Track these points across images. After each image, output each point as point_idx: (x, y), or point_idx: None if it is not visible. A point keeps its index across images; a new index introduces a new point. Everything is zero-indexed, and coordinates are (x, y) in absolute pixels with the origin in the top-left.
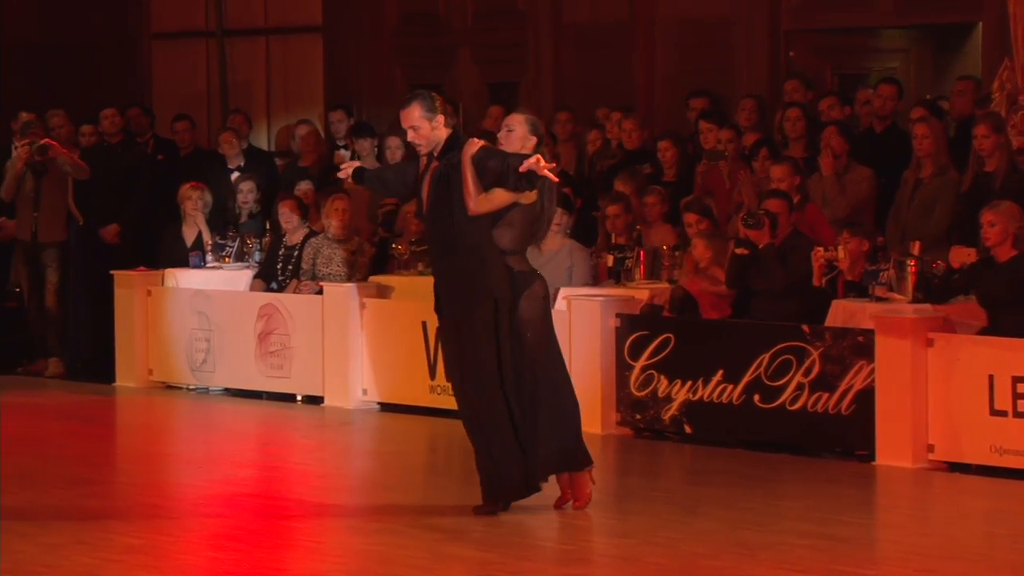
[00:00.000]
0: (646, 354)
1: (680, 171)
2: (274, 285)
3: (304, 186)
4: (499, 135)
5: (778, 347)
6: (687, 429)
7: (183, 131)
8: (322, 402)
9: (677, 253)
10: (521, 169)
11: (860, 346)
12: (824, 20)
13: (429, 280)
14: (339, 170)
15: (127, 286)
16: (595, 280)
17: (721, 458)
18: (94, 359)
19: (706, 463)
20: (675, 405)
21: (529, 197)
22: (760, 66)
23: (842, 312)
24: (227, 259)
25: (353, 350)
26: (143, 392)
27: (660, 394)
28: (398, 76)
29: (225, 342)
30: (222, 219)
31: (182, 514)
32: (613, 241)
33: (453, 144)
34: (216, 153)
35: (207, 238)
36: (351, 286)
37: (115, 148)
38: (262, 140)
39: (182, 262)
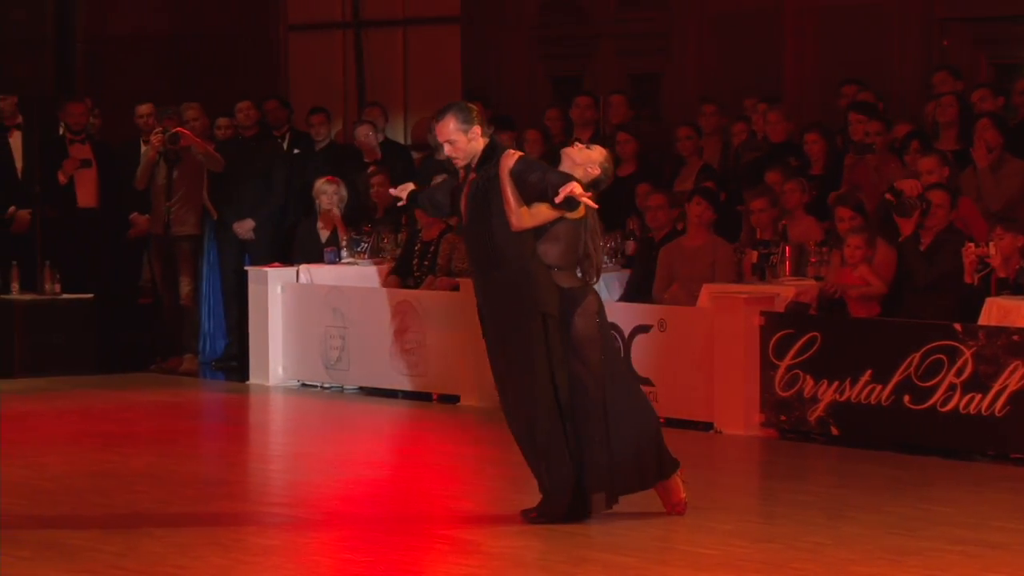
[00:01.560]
0: (791, 353)
1: (828, 164)
2: (410, 281)
3: (440, 180)
4: (577, 143)
5: (929, 346)
6: (834, 431)
7: (319, 124)
8: (458, 401)
9: (824, 249)
10: (557, 200)
11: (1015, 345)
12: (980, 8)
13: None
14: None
15: (261, 282)
16: (739, 277)
17: (869, 461)
18: (228, 356)
19: (853, 466)
20: (821, 406)
21: (578, 212)
22: (912, 55)
23: (996, 310)
24: (362, 255)
25: None
26: (277, 390)
27: (806, 394)
28: (538, 67)
29: (360, 339)
30: (358, 214)
31: (315, 515)
32: (758, 236)
33: (490, 155)
34: (352, 147)
35: (342, 233)
36: None
37: (250, 142)
38: (399, 133)
39: (317, 257)
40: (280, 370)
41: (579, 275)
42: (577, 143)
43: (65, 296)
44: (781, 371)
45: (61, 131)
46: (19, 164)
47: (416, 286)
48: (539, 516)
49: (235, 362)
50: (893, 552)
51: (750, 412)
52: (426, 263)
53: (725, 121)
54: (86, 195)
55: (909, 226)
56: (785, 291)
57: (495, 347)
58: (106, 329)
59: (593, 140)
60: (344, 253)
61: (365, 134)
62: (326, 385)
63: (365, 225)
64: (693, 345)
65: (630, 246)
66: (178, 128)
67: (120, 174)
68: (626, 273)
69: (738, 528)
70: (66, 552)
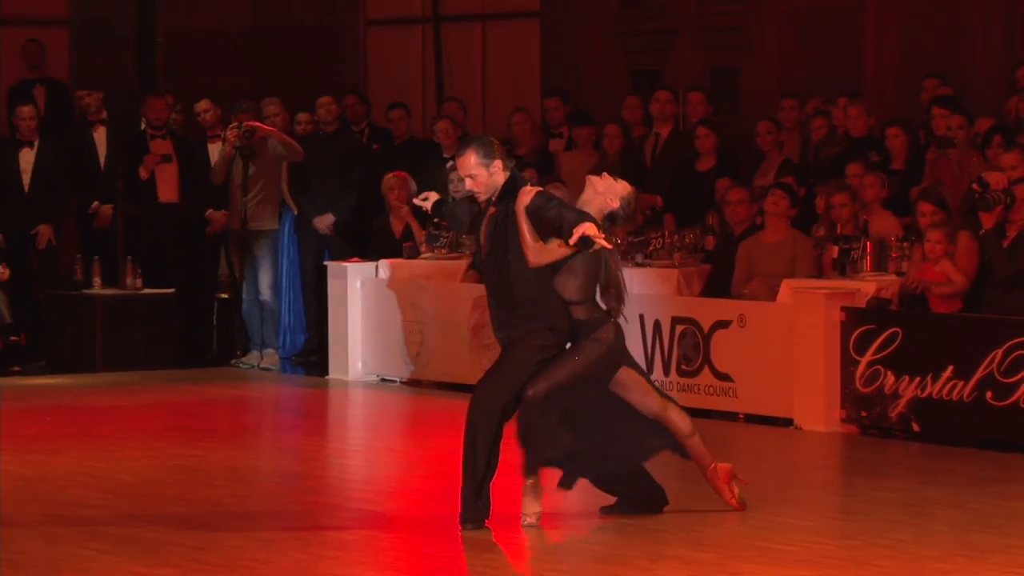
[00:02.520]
0: (872, 349)
1: (910, 159)
2: None
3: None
4: (605, 174)
5: (1012, 342)
6: (915, 427)
7: (398, 119)
8: None
9: (905, 244)
10: (571, 241)
11: None
12: None
13: (647, 272)
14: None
15: (341, 277)
16: (819, 272)
17: (950, 457)
18: (308, 351)
19: (935, 462)
20: (903, 402)
21: (592, 250)
22: (995, 49)
23: None
24: (441, 250)
25: None
26: (356, 385)
27: (887, 390)
28: (617, 62)
29: (439, 335)
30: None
31: (395, 510)
32: (838, 231)
33: (511, 188)
34: (432, 142)
35: (415, 228)
36: None
37: (330, 137)
38: (477, 128)
39: (391, 253)
40: (359, 365)
41: (602, 306)
42: (605, 174)
43: (146, 291)
44: (862, 367)
45: (143, 127)
46: (103, 159)
47: None
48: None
49: (314, 357)
50: (975, 549)
51: (831, 408)
52: None
53: (805, 116)
54: (167, 190)
55: (991, 220)
56: (866, 286)
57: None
58: (187, 324)
59: (673, 134)
60: (423, 248)
61: (444, 129)
62: (405, 380)
63: (444, 220)
64: (773, 341)
65: (709, 241)
66: (252, 122)
67: (200, 169)
68: (705, 268)
69: (818, 525)
70: (146, 546)
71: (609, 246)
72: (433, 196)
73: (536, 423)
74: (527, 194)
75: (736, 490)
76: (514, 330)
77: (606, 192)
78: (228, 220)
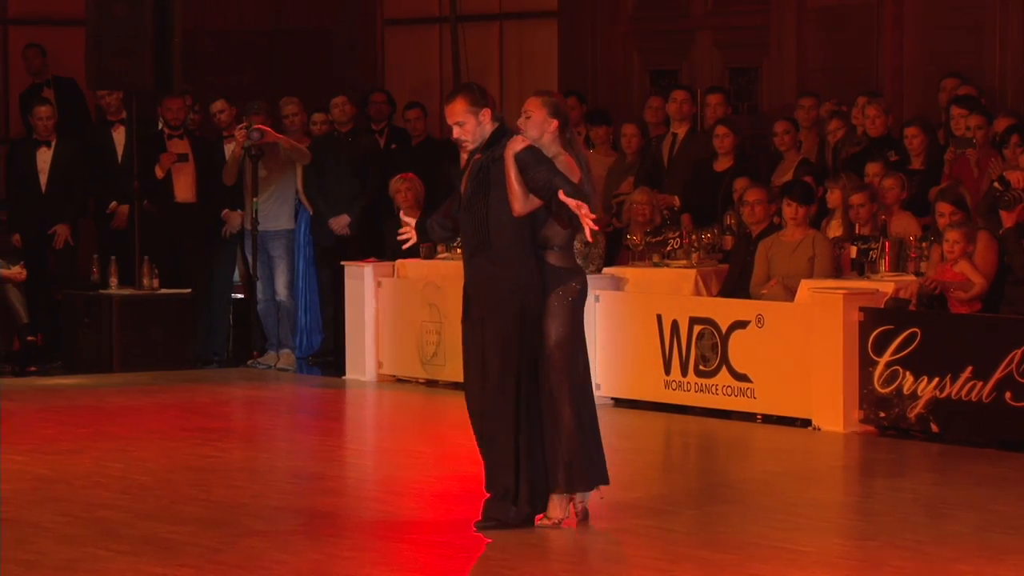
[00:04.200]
0: (891, 349)
1: (929, 159)
2: None
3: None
4: (518, 122)
5: None
6: (934, 428)
7: (415, 119)
8: None
9: (924, 244)
10: (561, 200)
11: None
12: None
13: (665, 272)
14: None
15: (357, 277)
16: (838, 272)
17: (970, 458)
18: (324, 351)
19: (954, 463)
20: (921, 403)
21: (574, 175)
22: (1014, 48)
23: None
24: (458, 250)
25: (588, 344)
26: (373, 385)
27: (905, 391)
28: (635, 61)
29: (456, 334)
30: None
31: (412, 511)
32: (857, 231)
33: (499, 138)
34: (449, 142)
35: None
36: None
37: (345, 137)
38: None
39: (412, 253)
40: (376, 365)
41: (579, 261)
42: (518, 123)
43: (163, 291)
44: (880, 367)
45: (160, 126)
46: (121, 159)
47: None
48: (488, 521)
49: (331, 357)
50: (994, 550)
51: (849, 409)
52: None
53: (823, 114)
54: (183, 190)
55: (1012, 219)
56: (884, 287)
57: (473, 331)
58: (203, 324)
59: (690, 134)
60: (440, 248)
61: None
62: (422, 380)
63: (429, 239)
64: (791, 341)
65: (727, 241)
66: (259, 124)
67: (217, 169)
68: (723, 268)
69: (836, 526)
70: (164, 546)
71: (591, 239)
72: (410, 227)
73: (584, 442)
74: (519, 142)
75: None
76: (485, 289)
77: (541, 128)
78: (243, 220)
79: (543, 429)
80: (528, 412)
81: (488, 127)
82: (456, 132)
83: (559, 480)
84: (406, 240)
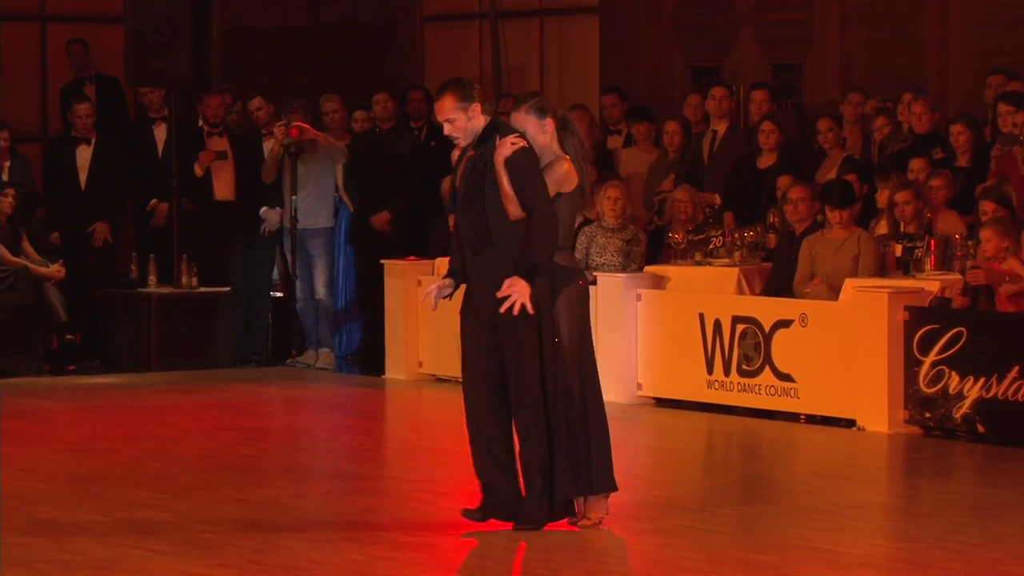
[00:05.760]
0: (936, 349)
1: (975, 156)
2: None
3: None
4: (517, 138)
5: None
6: (980, 428)
7: None
8: None
9: (970, 243)
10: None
11: None
12: None
13: (707, 270)
14: None
15: (397, 276)
16: (883, 271)
17: (1016, 459)
18: (364, 350)
19: (1000, 464)
20: (967, 403)
21: (572, 182)
22: None
23: None
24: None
25: (628, 343)
26: (413, 384)
27: (951, 391)
28: (677, 58)
29: None
30: None
31: (453, 511)
32: (902, 230)
33: (491, 132)
34: None
35: None
36: (626, 276)
37: (387, 134)
38: None
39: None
40: (416, 364)
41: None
42: (513, 141)
43: (201, 289)
44: (926, 367)
45: (199, 124)
46: (162, 156)
47: None
48: (526, 523)
49: (371, 356)
50: None
51: (894, 409)
52: None
53: (869, 111)
54: (223, 187)
55: None
56: (930, 285)
57: (482, 333)
58: (242, 322)
59: (731, 131)
60: None
61: None
62: (461, 379)
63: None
64: (835, 340)
65: (770, 239)
66: (299, 123)
67: (256, 167)
68: (766, 267)
69: (881, 527)
70: (203, 546)
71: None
72: (436, 288)
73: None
74: (507, 147)
75: None
76: (493, 286)
77: (543, 129)
78: (282, 218)
79: (565, 429)
80: (548, 412)
81: (479, 122)
82: (447, 129)
83: (591, 481)
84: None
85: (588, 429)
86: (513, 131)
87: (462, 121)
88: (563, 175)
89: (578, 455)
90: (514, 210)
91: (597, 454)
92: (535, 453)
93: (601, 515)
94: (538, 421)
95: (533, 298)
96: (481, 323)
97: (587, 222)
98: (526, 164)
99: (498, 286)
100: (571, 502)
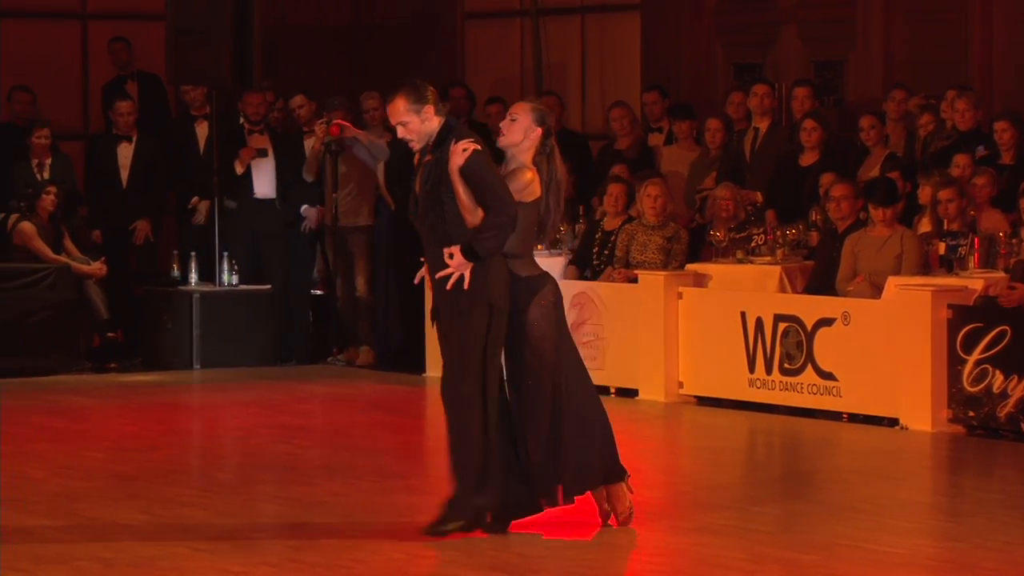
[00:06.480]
0: (980, 347)
1: (1019, 153)
2: (588, 273)
3: (618, 170)
4: (501, 123)
5: None
6: None
7: (496, 114)
8: (636, 395)
9: (1014, 241)
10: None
11: None
12: None
13: (749, 268)
14: None
15: None
16: (926, 268)
17: None
18: (404, 348)
19: None
20: (1011, 402)
21: (533, 193)
22: None
23: None
24: (539, 246)
25: (669, 341)
26: None
27: (995, 390)
28: (719, 55)
29: None
30: None
31: None
32: (945, 227)
33: (446, 136)
34: None
35: None
36: (666, 274)
37: None
38: (576, 122)
39: None
40: None
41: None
42: (501, 125)
43: (242, 287)
44: (969, 366)
45: (240, 121)
46: (203, 154)
47: (594, 277)
48: (442, 523)
49: (411, 354)
50: None
51: (937, 408)
52: (605, 253)
53: (912, 108)
54: (263, 185)
55: None
56: (973, 283)
57: (443, 336)
58: (283, 320)
59: (773, 128)
60: None
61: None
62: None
63: None
64: (878, 339)
65: (813, 237)
66: (338, 120)
67: (297, 164)
68: (808, 265)
69: (925, 526)
70: (243, 545)
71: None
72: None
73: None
74: (459, 155)
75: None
76: (452, 292)
77: (524, 133)
78: (323, 216)
79: (567, 430)
80: (517, 407)
81: (433, 123)
82: (400, 132)
83: (599, 475)
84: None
85: (560, 430)
86: (467, 134)
87: (415, 123)
88: (524, 184)
89: (548, 455)
90: (471, 219)
91: (572, 451)
92: (464, 449)
93: (627, 507)
94: (468, 417)
95: (486, 298)
96: (443, 328)
97: (629, 219)
98: (481, 167)
99: (456, 295)
100: (548, 498)
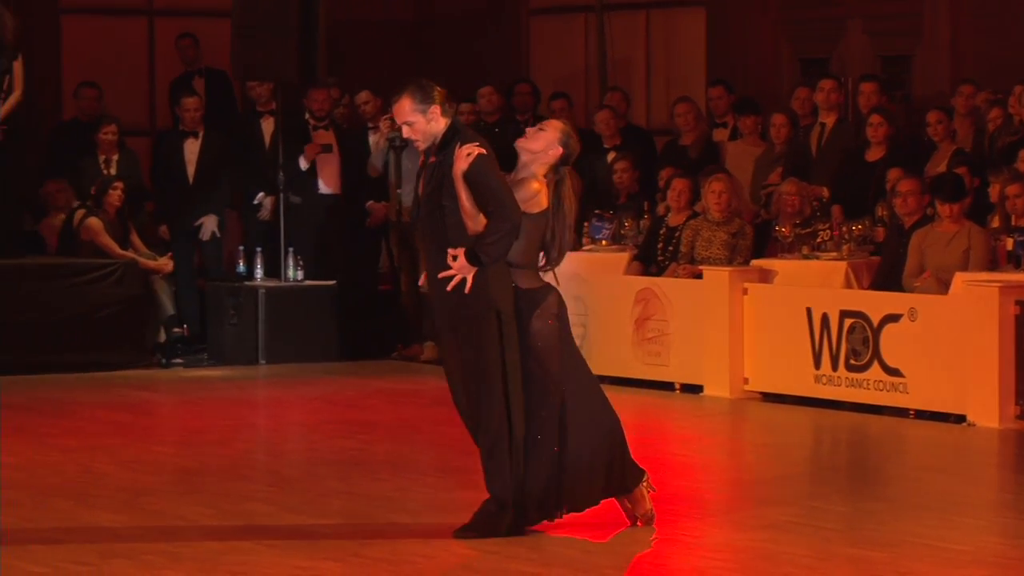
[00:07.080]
0: None
1: None
2: (652, 268)
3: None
4: (528, 128)
5: None
6: None
7: (560, 110)
8: (701, 391)
9: None
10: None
11: None
12: None
13: (815, 264)
14: None
15: None
16: (994, 264)
17: None
18: None
19: None
20: None
21: (539, 204)
22: None
23: None
24: (604, 241)
25: (734, 337)
26: None
27: None
28: (784, 50)
29: (601, 327)
30: (599, 200)
31: None
32: (1013, 223)
33: (452, 137)
34: (592, 133)
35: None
36: (731, 270)
37: (492, 127)
38: (641, 118)
39: None
40: None
41: (541, 259)
42: (528, 130)
43: (307, 283)
44: None
45: (305, 117)
46: (269, 149)
47: (659, 273)
48: (469, 530)
49: None
50: None
51: (1005, 404)
52: (670, 249)
53: (980, 103)
54: (328, 181)
55: None
56: None
57: (446, 342)
58: (348, 316)
59: (839, 123)
60: (585, 240)
61: (604, 120)
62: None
63: (606, 211)
64: (945, 335)
65: (879, 233)
66: None
67: (361, 160)
68: (874, 260)
69: (992, 524)
70: (309, 540)
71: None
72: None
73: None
74: (464, 159)
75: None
76: (453, 299)
77: (545, 147)
78: (387, 211)
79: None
80: (529, 422)
81: (439, 124)
82: (406, 132)
83: (600, 491)
84: None
85: (565, 445)
86: (473, 138)
87: (421, 124)
88: (531, 194)
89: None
90: (472, 225)
91: (574, 463)
92: (493, 462)
93: (647, 508)
94: (498, 435)
95: (492, 304)
96: (447, 340)
97: (695, 215)
98: (485, 172)
99: (459, 302)
100: (551, 506)
